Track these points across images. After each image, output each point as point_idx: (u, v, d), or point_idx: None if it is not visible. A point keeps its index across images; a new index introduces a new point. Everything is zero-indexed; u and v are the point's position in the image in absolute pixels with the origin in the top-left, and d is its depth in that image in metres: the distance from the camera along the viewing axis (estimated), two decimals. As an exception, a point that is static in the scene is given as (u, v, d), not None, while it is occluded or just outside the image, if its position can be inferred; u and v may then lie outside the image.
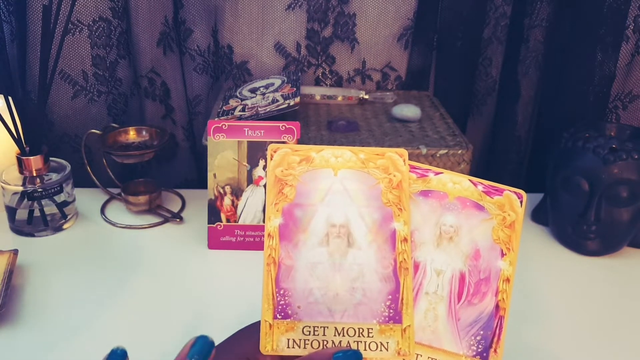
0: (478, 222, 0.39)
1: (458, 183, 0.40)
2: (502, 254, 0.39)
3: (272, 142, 0.70)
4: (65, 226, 0.77)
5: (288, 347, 0.36)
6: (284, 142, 0.70)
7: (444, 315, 0.39)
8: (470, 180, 0.40)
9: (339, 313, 0.37)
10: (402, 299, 0.37)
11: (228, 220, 0.71)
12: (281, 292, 0.38)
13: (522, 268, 0.70)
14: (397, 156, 0.39)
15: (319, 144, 0.72)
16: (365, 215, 0.39)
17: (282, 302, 0.37)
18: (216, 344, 0.36)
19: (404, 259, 0.38)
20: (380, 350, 0.37)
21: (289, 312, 0.37)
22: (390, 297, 0.37)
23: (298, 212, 0.39)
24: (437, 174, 0.40)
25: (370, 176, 0.40)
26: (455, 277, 0.39)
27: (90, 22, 0.84)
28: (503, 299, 0.39)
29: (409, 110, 0.81)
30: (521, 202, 0.39)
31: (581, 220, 0.71)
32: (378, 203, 0.39)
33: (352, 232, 0.39)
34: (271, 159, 0.39)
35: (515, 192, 0.40)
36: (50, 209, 0.74)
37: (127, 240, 0.75)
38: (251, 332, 0.37)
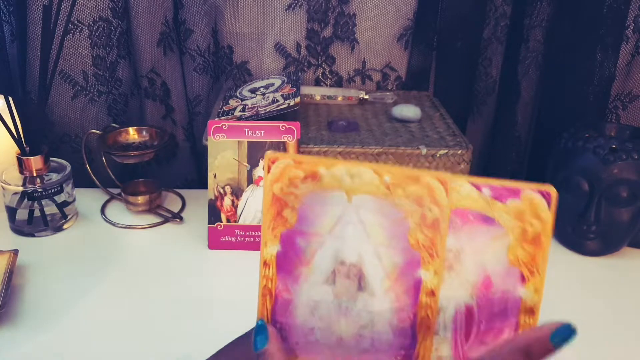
0: (487, 241, 0.30)
1: (455, 190, 0.29)
2: (523, 279, 0.30)
3: (270, 142, 0.70)
4: (65, 226, 0.77)
5: None
6: (283, 143, 0.70)
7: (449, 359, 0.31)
8: (472, 183, 0.29)
9: (341, 357, 0.32)
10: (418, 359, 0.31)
11: (228, 220, 0.71)
12: (277, 325, 0.32)
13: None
14: (437, 183, 0.29)
15: (319, 144, 0.72)
16: (384, 256, 0.31)
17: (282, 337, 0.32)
18: (216, 345, 0.37)
19: (428, 315, 0.30)
20: None
21: (286, 346, 0.32)
22: (403, 352, 0.31)
23: (300, 241, 0.31)
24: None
25: (395, 208, 0.30)
26: (460, 313, 0.31)
27: (91, 22, 0.84)
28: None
29: (409, 111, 0.81)
30: (549, 203, 0.29)
31: (581, 220, 0.71)
32: (403, 244, 0.30)
33: (365, 274, 0.31)
34: (268, 171, 0.30)
35: (540, 191, 0.29)
36: (50, 209, 0.74)
37: (127, 240, 0.75)
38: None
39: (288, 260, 0.31)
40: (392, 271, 0.30)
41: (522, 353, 0.28)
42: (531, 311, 0.30)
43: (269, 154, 0.30)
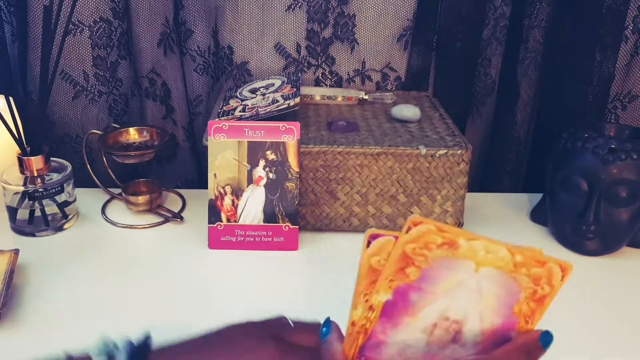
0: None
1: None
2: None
3: (271, 142, 0.70)
4: (66, 226, 0.77)
5: None
6: (283, 143, 0.70)
7: None
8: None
9: None
10: None
11: (228, 220, 0.71)
12: (362, 358, 0.36)
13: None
14: (557, 269, 0.34)
15: (319, 144, 0.72)
16: (486, 318, 0.34)
17: None
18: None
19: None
20: None
21: None
22: None
23: (413, 295, 0.34)
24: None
25: (515, 283, 0.34)
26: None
27: (91, 23, 0.85)
28: None
29: (408, 111, 0.81)
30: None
31: (580, 220, 0.71)
32: (508, 311, 0.34)
33: (463, 330, 0.35)
34: (407, 232, 0.32)
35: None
36: (51, 208, 0.75)
37: (127, 240, 0.75)
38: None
39: (395, 309, 0.34)
40: (488, 328, 0.34)
41: (524, 352, 0.34)
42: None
43: (414, 217, 0.32)
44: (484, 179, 1.01)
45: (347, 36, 0.90)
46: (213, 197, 0.71)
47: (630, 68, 0.87)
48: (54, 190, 0.74)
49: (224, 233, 0.72)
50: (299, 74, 0.90)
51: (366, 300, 0.34)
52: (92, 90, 0.89)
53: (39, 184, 0.73)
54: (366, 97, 0.89)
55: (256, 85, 0.87)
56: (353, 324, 0.35)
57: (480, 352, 0.35)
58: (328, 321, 0.36)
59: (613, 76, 0.87)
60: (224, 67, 0.92)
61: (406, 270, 0.33)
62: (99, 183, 0.84)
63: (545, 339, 0.35)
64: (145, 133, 0.84)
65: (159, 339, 0.57)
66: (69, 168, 0.77)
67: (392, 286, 0.34)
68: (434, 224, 0.32)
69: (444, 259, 0.33)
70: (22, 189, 0.73)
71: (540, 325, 0.60)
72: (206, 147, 0.71)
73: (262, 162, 0.70)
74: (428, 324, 0.34)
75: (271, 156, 0.70)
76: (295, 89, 0.81)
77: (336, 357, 0.35)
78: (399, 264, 0.33)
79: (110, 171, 0.84)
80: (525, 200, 0.86)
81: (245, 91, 0.86)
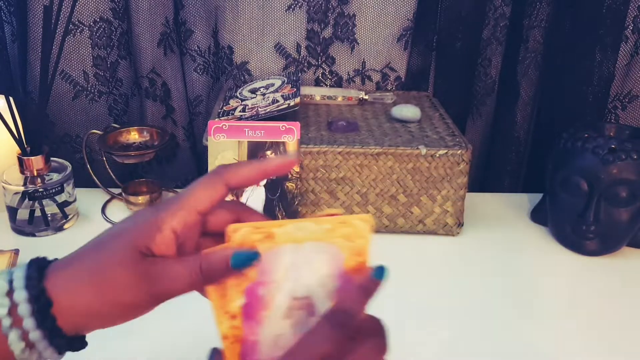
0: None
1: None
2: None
3: (270, 142, 0.70)
4: (66, 226, 0.77)
5: None
6: (283, 143, 0.70)
7: None
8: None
9: None
10: None
11: (228, 220, 0.71)
12: None
13: (522, 268, 0.71)
14: (362, 223, 0.39)
15: (319, 144, 0.72)
16: (327, 285, 0.39)
17: None
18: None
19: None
20: None
21: None
22: None
23: (261, 290, 0.38)
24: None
25: (334, 246, 0.39)
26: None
27: (91, 23, 0.85)
28: None
29: (408, 111, 0.81)
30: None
31: (580, 220, 0.71)
32: (340, 271, 0.39)
33: (314, 303, 0.39)
34: (228, 241, 0.37)
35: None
36: (51, 208, 0.75)
37: (127, 240, 0.75)
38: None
39: (252, 309, 0.38)
40: (333, 293, 0.39)
41: (362, 289, 0.36)
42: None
43: (232, 226, 0.37)
44: (484, 179, 1.01)
45: (347, 36, 0.90)
46: (213, 197, 0.71)
47: (630, 68, 0.87)
48: (54, 190, 0.74)
49: (224, 233, 0.72)
50: (299, 74, 0.90)
51: (225, 312, 0.37)
52: (92, 90, 0.90)
53: (39, 184, 0.73)
54: (366, 97, 0.89)
55: (256, 85, 0.87)
56: (225, 337, 0.38)
57: None
58: (213, 352, 0.38)
59: (613, 76, 0.87)
60: (224, 67, 0.92)
61: (245, 272, 0.38)
62: (99, 183, 0.84)
63: (378, 272, 0.37)
64: (145, 133, 0.84)
65: (157, 339, 0.57)
66: (69, 168, 0.77)
67: (241, 290, 0.38)
68: (249, 225, 0.37)
69: (270, 250, 0.38)
70: (22, 189, 0.73)
71: (541, 320, 0.60)
72: (206, 147, 0.71)
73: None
74: (284, 309, 0.38)
75: (271, 156, 0.70)
76: (295, 89, 0.81)
77: None
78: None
79: (110, 171, 0.84)
80: (525, 200, 0.86)
81: (245, 91, 0.86)
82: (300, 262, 0.39)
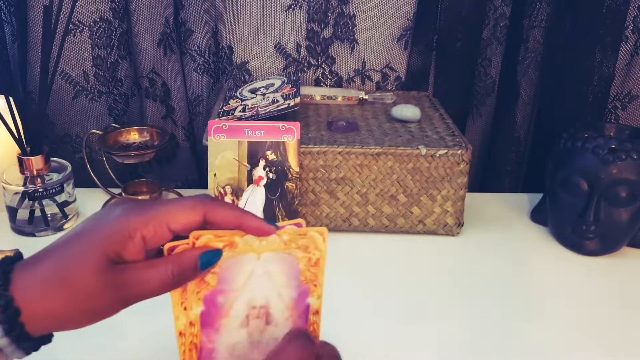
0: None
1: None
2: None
3: (270, 142, 0.70)
4: (66, 226, 0.77)
5: None
6: (283, 143, 0.70)
7: None
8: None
9: None
10: None
11: (228, 220, 0.71)
12: None
13: (522, 268, 0.71)
14: (317, 235, 0.39)
15: (319, 144, 0.72)
16: (284, 294, 0.40)
17: None
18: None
19: (314, 329, 0.41)
20: None
21: None
22: None
23: (220, 298, 0.39)
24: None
25: (292, 257, 0.39)
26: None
27: (91, 23, 0.85)
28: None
29: (408, 111, 0.81)
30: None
31: (580, 220, 0.71)
32: (297, 282, 0.40)
33: (271, 312, 0.40)
34: (192, 245, 0.37)
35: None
36: (51, 209, 0.75)
37: (127, 240, 0.75)
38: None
39: (210, 317, 0.38)
40: (290, 303, 0.40)
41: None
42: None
43: (194, 233, 0.37)
44: (484, 179, 1.01)
45: (347, 36, 0.90)
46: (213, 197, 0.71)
47: (630, 68, 0.87)
48: (54, 190, 0.74)
49: (224, 233, 0.72)
50: (299, 74, 0.90)
51: (185, 309, 0.38)
52: (92, 90, 0.90)
53: (39, 184, 0.73)
54: (366, 97, 0.89)
55: (256, 85, 0.87)
56: (181, 334, 0.38)
57: (292, 325, 0.40)
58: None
59: (613, 76, 0.87)
60: (224, 67, 0.92)
61: (206, 279, 0.38)
62: (99, 183, 0.84)
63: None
64: (145, 133, 0.84)
65: (156, 339, 0.57)
66: (69, 168, 0.77)
67: (200, 297, 0.38)
68: (211, 233, 0.37)
69: (231, 259, 0.38)
70: (22, 189, 0.73)
71: (541, 320, 0.60)
72: (206, 147, 0.71)
73: (262, 162, 0.70)
74: (242, 318, 0.39)
75: (271, 156, 0.70)
76: (295, 89, 0.81)
77: None
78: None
79: (110, 171, 0.84)
80: (525, 200, 0.86)
81: (245, 91, 0.86)
82: (259, 271, 0.39)
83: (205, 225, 0.37)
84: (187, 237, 0.37)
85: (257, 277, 0.39)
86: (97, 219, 0.36)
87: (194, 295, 0.38)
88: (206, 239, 0.37)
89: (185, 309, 0.38)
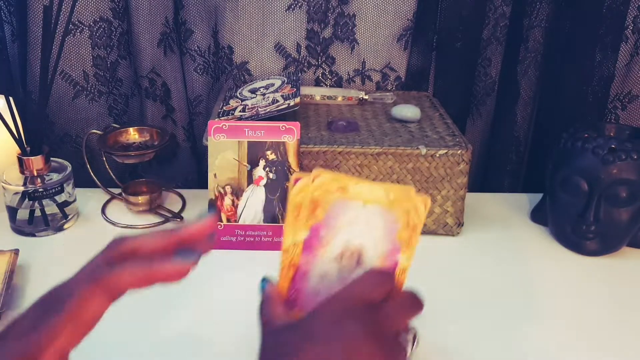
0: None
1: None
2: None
3: (271, 142, 0.70)
4: (66, 226, 0.77)
5: None
6: (283, 143, 0.70)
7: None
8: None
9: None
10: None
11: (228, 220, 0.71)
12: (293, 290, 0.45)
13: (522, 268, 0.71)
14: (420, 203, 0.44)
15: (319, 144, 0.72)
16: (379, 245, 0.45)
17: (292, 297, 0.45)
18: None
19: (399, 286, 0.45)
20: None
21: (296, 304, 0.44)
22: None
23: (323, 231, 0.44)
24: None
25: (393, 215, 0.44)
26: None
27: (91, 23, 0.85)
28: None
29: (408, 111, 0.81)
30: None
31: (580, 220, 0.71)
32: (392, 238, 0.44)
33: (363, 256, 0.45)
34: (312, 181, 0.43)
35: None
36: (51, 208, 0.75)
37: (127, 240, 0.75)
38: None
39: (312, 244, 0.44)
40: (382, 254, 0.44)
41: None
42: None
43: (317, 170, 0.43)
44: (484, 179, 1.01)
45: (347, 36, 0.90)
46: (213, 197, 0.71)
47: (630, 68, 0.87)
48: (54, 190, 0.74)
49: (224, 233, 0.72)
50: (299, 74, 0.90)
51: (294, 232, 0.43)
52: (92, 90, 0.90)
53: (39, 184, 0.73)
54: (366, 97, 0.89)
55: (256, 85, 0.87)
56: (285, 251, 0.44)
57: None
58: (265, 278, 0.45)
59: (613, 76, 0.87)
60: (224, 67, 0.92)
61: (316, 212, 0.44)
62: (99, 183, 0.84)
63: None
64: (145, 133, 0.84)
65: (156, 339, 0.57)
66: (69, 168, 0.77)
67: (308, 225, 0.44)
68: (330, 174, 0.43)
69: (340, 200, 0.44)
70: (22, 189, 0.73)
71: (541, 320, 0.60)
72: (206, 147, 0.71)
73: (262, 162, 0.70)
74: (336, 253, 0.45)
75: (271, 156, 0.70)
76: (295, 89, 0.81)
77: (274, 295, 0.44)
78: (310, 207, 0.44)
79: (110, 171, 0.84)
80: (525, 200, 0.86)
81: (245, 91, 0.86)
82: (362, 219, 0.45)
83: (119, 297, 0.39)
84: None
85: (358, 222, 0.44)
86: (12, 336, 0.37)
87: (304, 223, 0.44)
88: (325, 177, 0.43)
89: (294, 231, 0.44)
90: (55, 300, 0.37)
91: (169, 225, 0.79)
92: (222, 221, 0.71)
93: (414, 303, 0.43)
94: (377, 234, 0.45)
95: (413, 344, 0.53)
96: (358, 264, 0.45)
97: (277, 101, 0.78)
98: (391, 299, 0.41)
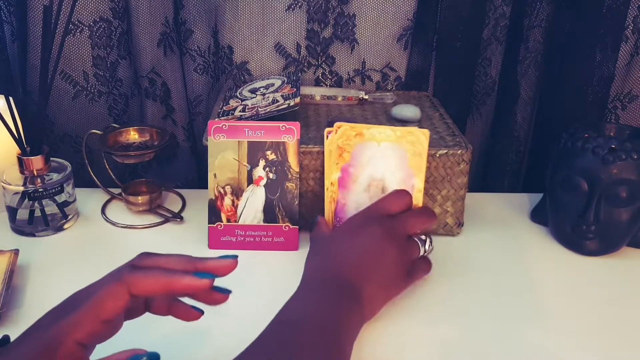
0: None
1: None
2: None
3: (270, 142, 0.70)
4: (66, 226, 0.77)
5: None
6: (283, 143, 0.70)
7: None
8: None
9: None
10: None
11: (228, 220, 0.71)
12: (337, 219, 0.64)
13: (522, 268, 0.71)
14: (421, 134, 0.61)
15: (319, 144, 0.72)
16: (396, 173, 0.61)
17: (337, 225, 0.62)
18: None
19: (417, 202, 0.63)
20: None
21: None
22: None
23: (351, 169, 0.61)
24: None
25: (402, 148, 0.61)
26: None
27: (91, 23, 0.85)
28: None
29: (408, 111, 0.81)
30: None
31: (580, 220, 0.71)
32: (405, 166, 0.61)
33: (385, 184, 0.62)
34: (335, 133, 0.62)
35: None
36: (51, 208, 0.75)
37: (127, 240, 0.75)
38: None
39: (344, 181, 0.61)
40: (399, 180, 0.62)
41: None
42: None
43: (337, 123, 0.63)
44: (484, 179, 1.01)
45: (347, 36, 0.90)
46: (213, 197, 0.71)
47: (630, 68, 0.87)
48: (54, 190, 0.74)
49: (224, 233, 0.72)
50: (299, 74, 0.90)
51: (338, 168, 0.61)
52: (92, 90, 0.90)
53: (39, 184, 0.73)
54: (366, 97, 0.89)
55: (256, 85, 0.87)
56: (326, 189, 0.63)
57: None
58: (316, 217, 0.62)
59: (613, 76, 0.87)
60: (224, 67, 0.92)
61: (342, 155, 0.62)
62: (99, 183, 0.84)
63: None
64: (145, 133, 0.84)
65: (157, 339, 0.57)
66: (69, 168, 0.77)
67: (339, 167, 0.61)
68: (348, 125, 0.62)
69: (359, 144, 0.62)
70: (22, 189, 0.73)
71: (541, 320, 0.60)
72: (206, 147, 0.71)
73: (262, 162, 0.70)
74: (365, 185, 0.62)
75: (271, 156, 0.70)
76: (295, 89, 0.81)
77: (323, 223, 0.61)
78: (337, 152, 0.62)
79: (110, 171, 0.84)
80: (525, 200, 0.86)
81: (245, 91, 0.86)
82: (378, 155, 0.61)
83: (138, 299, 0.39)
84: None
85: (377, 158, 0.61)
86: (35, 328, 0.37)
87: (335, 165, 0.62)
88: (345, 127, 0.62)
89: (330, 173, 0.62)
90: (79, 298, 0.38)
91: (169, 226, 0.79)
92: (222, 221, 0.71)
93: (427, 214, 0.57)
94: (393, 165, 0.60)
95: (428, 246, 0.61)
96: (382, 191, 0.60)
97: (277, 101, 0.78)
98: (408, 211, 0.55)
